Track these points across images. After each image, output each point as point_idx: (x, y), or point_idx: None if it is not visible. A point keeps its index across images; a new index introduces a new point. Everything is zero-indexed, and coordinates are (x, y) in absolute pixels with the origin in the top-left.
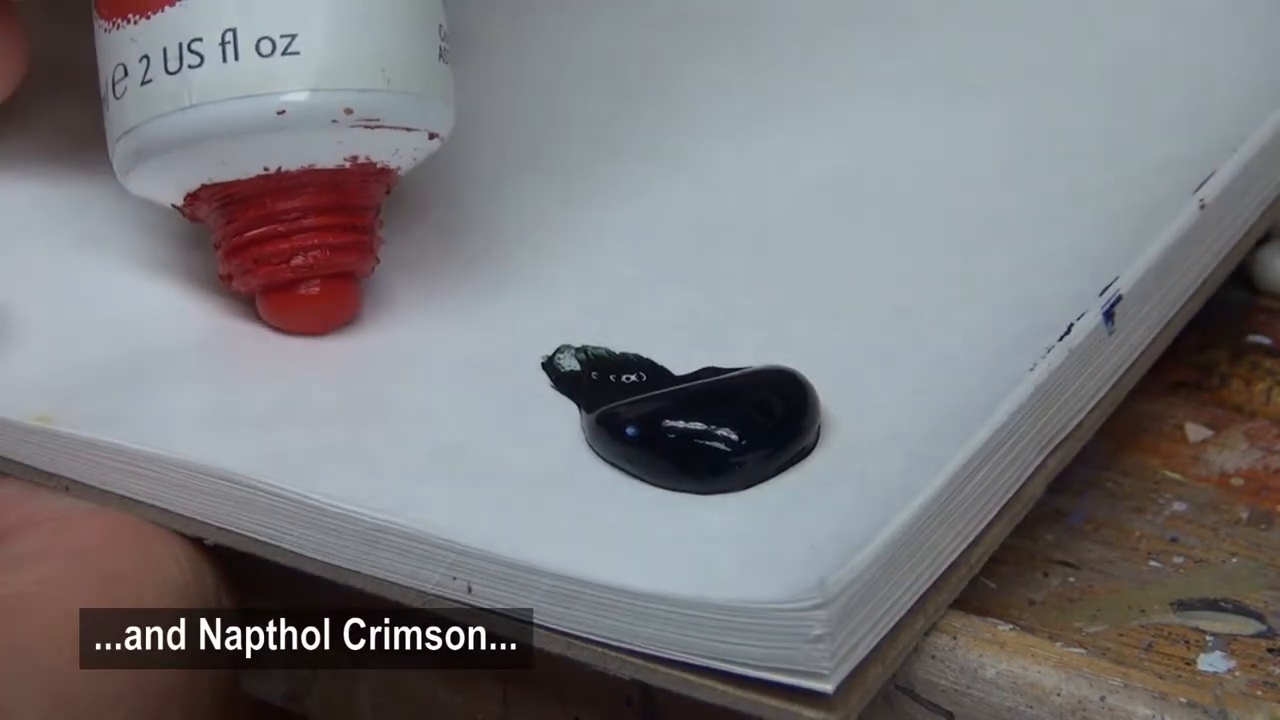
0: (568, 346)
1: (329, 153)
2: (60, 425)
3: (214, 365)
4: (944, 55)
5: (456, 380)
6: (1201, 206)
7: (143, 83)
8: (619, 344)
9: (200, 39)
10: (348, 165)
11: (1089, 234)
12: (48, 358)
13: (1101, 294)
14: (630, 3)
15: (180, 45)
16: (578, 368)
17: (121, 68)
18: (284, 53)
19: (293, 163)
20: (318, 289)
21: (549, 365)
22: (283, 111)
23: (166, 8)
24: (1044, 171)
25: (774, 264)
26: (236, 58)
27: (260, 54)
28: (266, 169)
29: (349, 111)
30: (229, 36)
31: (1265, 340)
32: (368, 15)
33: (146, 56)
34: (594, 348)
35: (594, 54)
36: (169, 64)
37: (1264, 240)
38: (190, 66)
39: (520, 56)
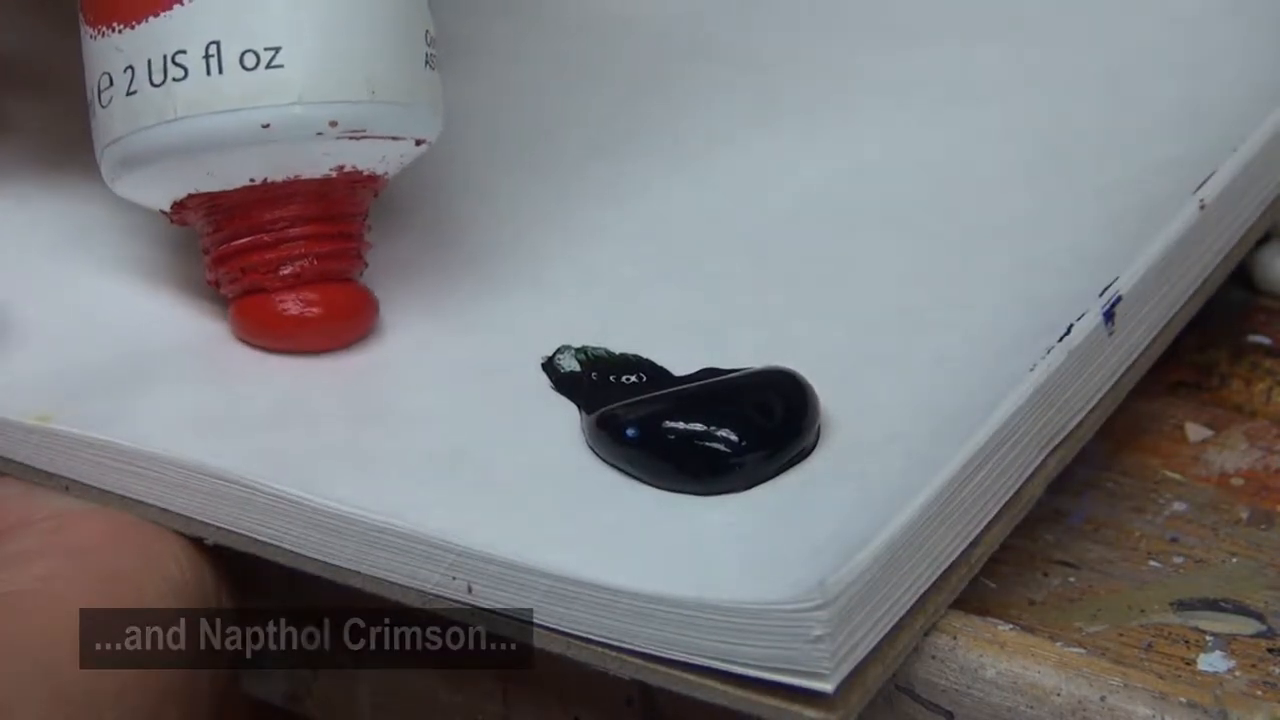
0: (568, 347)
1: (315, 163)
2: (60, 425)
3: (214, 366)
4: (944, 56)
5: (456, 381)
6: (1201, 206)
7: (128, 93)
8: (619, 344)
9: (184, 51)
10: (334, 174)
11: (1089, 234)
12: (48, 358)
13: (1101, 294)
14: (630, 2)
15: (165, 57)
16: (578, 368)
17: (107, 76)
18: (268, 66)
19: (278, 174)
20: (318, 311)
21: (549, 366)
22: (267, 125)
23: (150, 18)
24: (1044, 171)
25: (774, 264)
26: (221, 71)
27: (244, 67)
28: (252, 180)
29: (334, 124)
30: (213, 49)
31: (1265, 340)
32: (353, 26)
33: (131, 67)
34: (594, 348)
35: (594, 53)
36: (153, 76)
37: (1264, 240)
38: (175, 79)
39: (519, 56)
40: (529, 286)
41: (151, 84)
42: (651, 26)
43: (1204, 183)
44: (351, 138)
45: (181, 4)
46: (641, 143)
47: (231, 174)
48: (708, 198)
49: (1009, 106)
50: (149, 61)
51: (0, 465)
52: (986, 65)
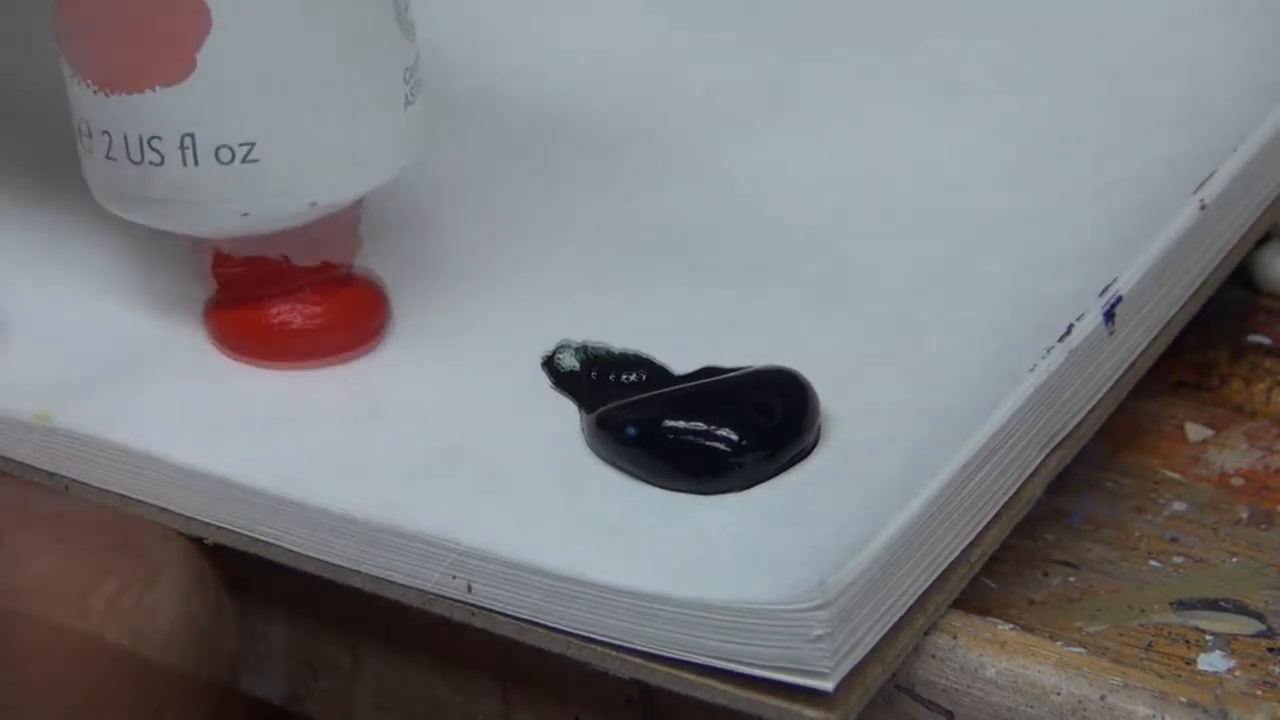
0: (568, 346)
1: (299, 222)
2: (60, 424)
3: (213, 366)
4: (945, 55)
5: (456, 380)
6: (1202, 206)
7: (107, 156)
8: (619, 344)
9: (159, 138)
10: (319, 219)
11: (1089, 234)
12: (48, 357)
13: (1101, 294)
14: (630, 3)
15: (141, 138)
16: (578, 367)
17: (85, 124)
18: (244, 160)
19: (264, 229)
20: (321, 321)
21: (549, 365)
22: (247, 214)
23: (124, 94)
24: (1044, 171)
25: (774, 264)
26: (196, 163)
27: (220, 161)
28: (238, 239)
29: (314, 205)
30: (188, 141)
31: (1265, 340)
32: (325, 110)
33: (108, 133)
34: (594, 347)
35: (595, 52)
36: (131, 153)
37: (1264, 240)
38: (152, 163)
39: (521, 53)
40: (529, 285)
41: (130, 160)
42: (652, 27)
43: (1204, 182)
44: (332, 207)
45: (154, 90)
46: (642, 142)
47: (217, 235)
48: (707, 197)
49: (1009, 106)
50: (125, 137)
51: (0, 465)
52: (987, 65)
